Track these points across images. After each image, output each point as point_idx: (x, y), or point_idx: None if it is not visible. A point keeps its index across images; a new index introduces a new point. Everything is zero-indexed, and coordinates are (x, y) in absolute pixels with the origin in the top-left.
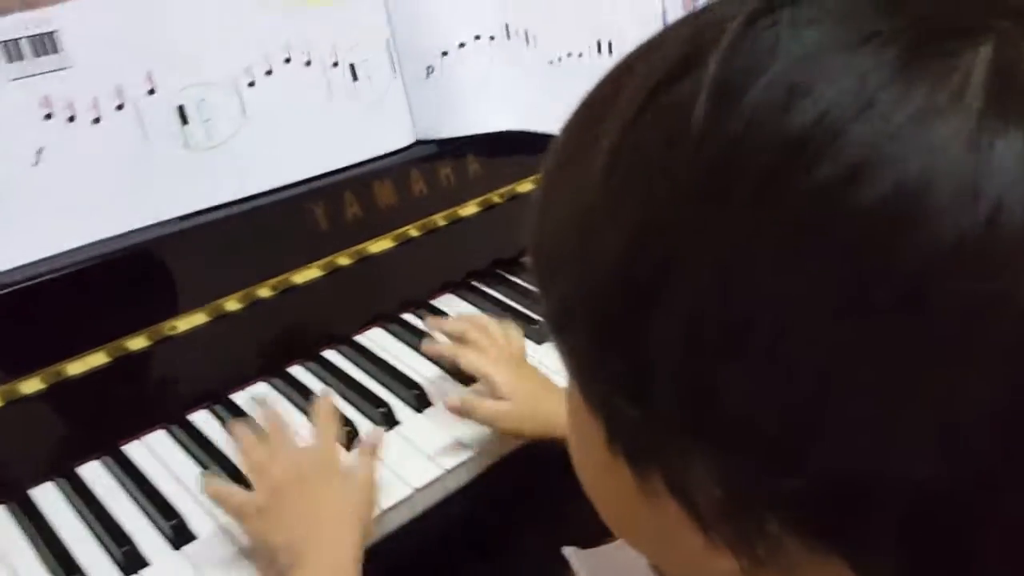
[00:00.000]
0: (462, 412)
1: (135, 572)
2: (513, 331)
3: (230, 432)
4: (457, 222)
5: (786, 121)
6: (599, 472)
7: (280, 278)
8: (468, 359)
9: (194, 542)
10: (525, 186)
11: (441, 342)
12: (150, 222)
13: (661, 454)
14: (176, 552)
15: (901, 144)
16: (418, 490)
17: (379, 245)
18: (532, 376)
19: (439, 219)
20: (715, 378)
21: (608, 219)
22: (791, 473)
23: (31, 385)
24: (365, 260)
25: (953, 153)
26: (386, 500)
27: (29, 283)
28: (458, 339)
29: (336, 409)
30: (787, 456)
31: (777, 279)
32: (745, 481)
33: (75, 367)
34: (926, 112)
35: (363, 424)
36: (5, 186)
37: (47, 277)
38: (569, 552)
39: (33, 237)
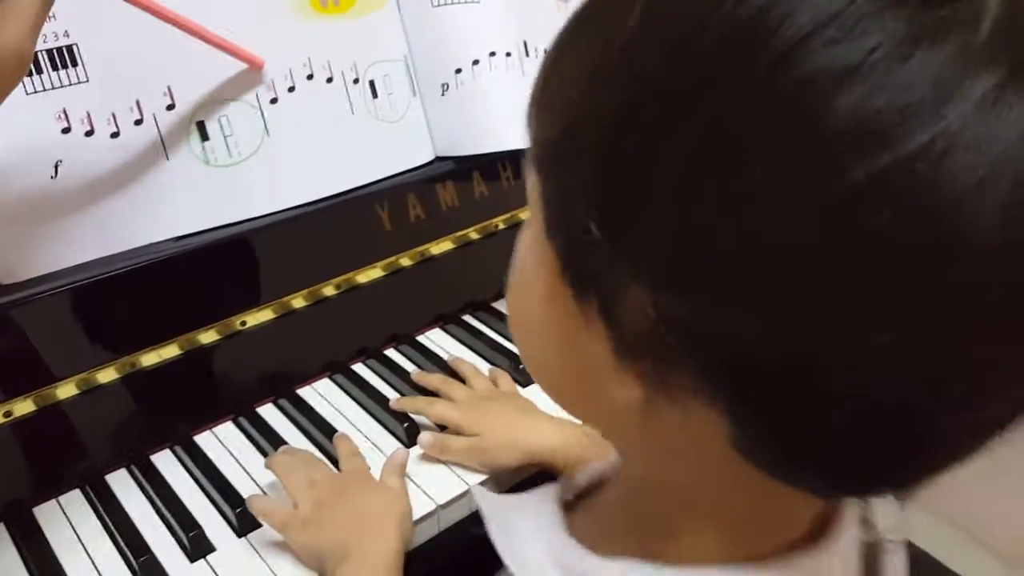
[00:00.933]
0: (436, 450)
1: (202, 556)
2: (499, 372)
3: (267, 466)
4: (517, 226)
5: None
6: (538, 303)
7: (344, 277)
8: (432, 410)
9: (258, 530)
10: None
11: (415, 403)
12: (167, 237)
13: (604, 280)
14: (240, 540)
15: None
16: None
17: (440, 247)
18: (514, 410)
19: (499, 222)
20: (670, 221)
21: (626, 71)
22: (707, 314)
23: (106, 375)
24: (426, 262)
25: None
26: (444, 496)
27: (104, 276)
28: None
29: (355, 445)
30: (702, 297)
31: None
32: (669, 314)
33: (148, 358)
34: None
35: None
36: (25, 198)
37: (121, 270)
38: (476, 488)
39: (52, 249)
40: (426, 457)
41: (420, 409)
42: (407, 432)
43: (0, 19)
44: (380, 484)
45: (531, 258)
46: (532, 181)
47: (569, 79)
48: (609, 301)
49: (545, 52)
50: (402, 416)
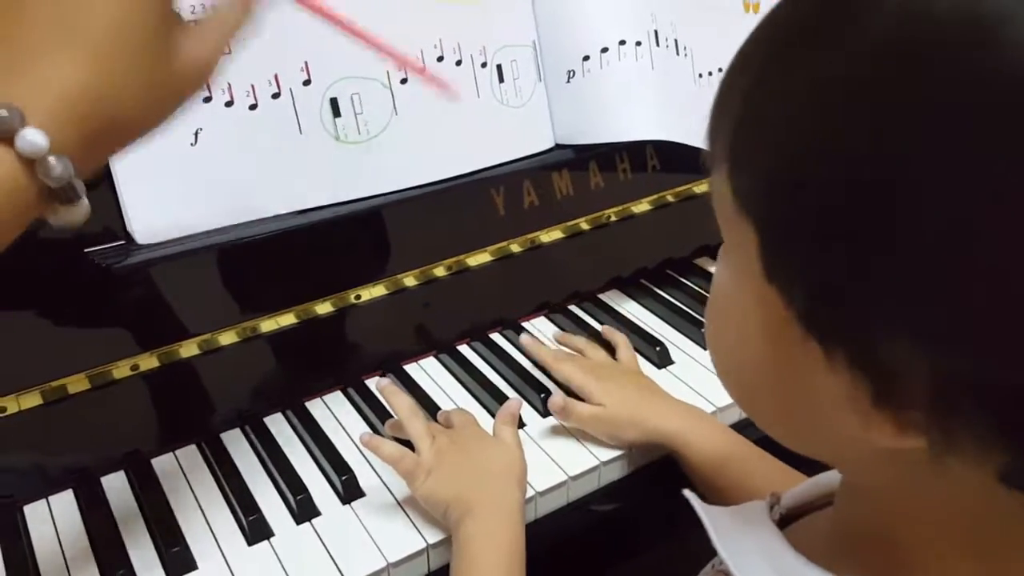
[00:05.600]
0: (563, 413)
1: (308, 520)
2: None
3: (384, 396)
4: (628, 219)
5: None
6: (754, 339)
7: (455, 259)
8: (560, 367)
9: (362, 499)
10: (701, 187)
11: (543, 352)
12: (294, 209)
13: (854, 333)
14: (344, 507)
15: None
16: (572, 478)
17: (550, 236)
18: (637, 386)
19: (611, 214)
20: (945, 275)
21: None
22: (1001, 372)
23: (227, 337)
24: (535, 249)
25: None
26: (542, 484)
27: (232, 243)
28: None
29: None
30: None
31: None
32: (956, 372)
33: (267, 325)
34: None
35: (524, 408)
36: (164, 162)
37: (249, 239)
38: (691, 495)
39: (187, 213)
40: (558, 429)
41: (548, 363)
42: None
43: (207, 30)
44: (495, 438)
45: (739, 291)
46: (730, 213)
47: (794, 114)
48: (863, 353)
49: (737, 74)
50: (504, 397)
